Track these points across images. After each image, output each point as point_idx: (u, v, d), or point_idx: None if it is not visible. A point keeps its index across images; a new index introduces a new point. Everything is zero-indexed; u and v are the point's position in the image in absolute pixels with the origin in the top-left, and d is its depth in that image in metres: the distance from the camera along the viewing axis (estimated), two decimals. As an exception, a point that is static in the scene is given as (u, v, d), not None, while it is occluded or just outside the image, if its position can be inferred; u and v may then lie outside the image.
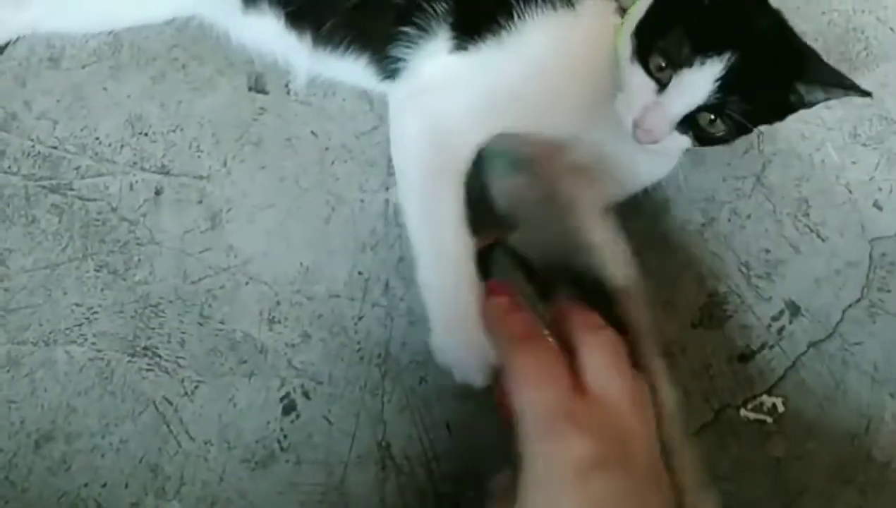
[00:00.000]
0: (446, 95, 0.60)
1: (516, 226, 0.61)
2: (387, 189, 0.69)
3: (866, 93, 0.55)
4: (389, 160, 0.70)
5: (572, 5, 0.61)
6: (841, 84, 0.55)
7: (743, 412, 0.63)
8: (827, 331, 0.66)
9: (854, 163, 0.71)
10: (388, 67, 0.63)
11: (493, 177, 0.63)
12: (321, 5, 0.64)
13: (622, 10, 0.62)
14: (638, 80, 0.56)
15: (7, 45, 0.73)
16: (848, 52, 0.74)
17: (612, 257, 0.55)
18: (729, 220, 0.69)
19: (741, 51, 0.53)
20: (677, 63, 0.54)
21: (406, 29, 0.61)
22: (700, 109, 0.55)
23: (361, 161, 0.70)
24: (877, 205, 0.70)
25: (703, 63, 0.53)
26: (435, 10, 0.61)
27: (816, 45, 0.67)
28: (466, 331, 0.56)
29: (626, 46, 0.58)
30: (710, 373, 0.64)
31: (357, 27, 0.64)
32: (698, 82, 0.54)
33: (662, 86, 0.55)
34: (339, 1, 0.63)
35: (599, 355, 0.43)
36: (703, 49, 0.53)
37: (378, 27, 0.63)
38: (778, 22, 0.57)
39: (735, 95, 0.54)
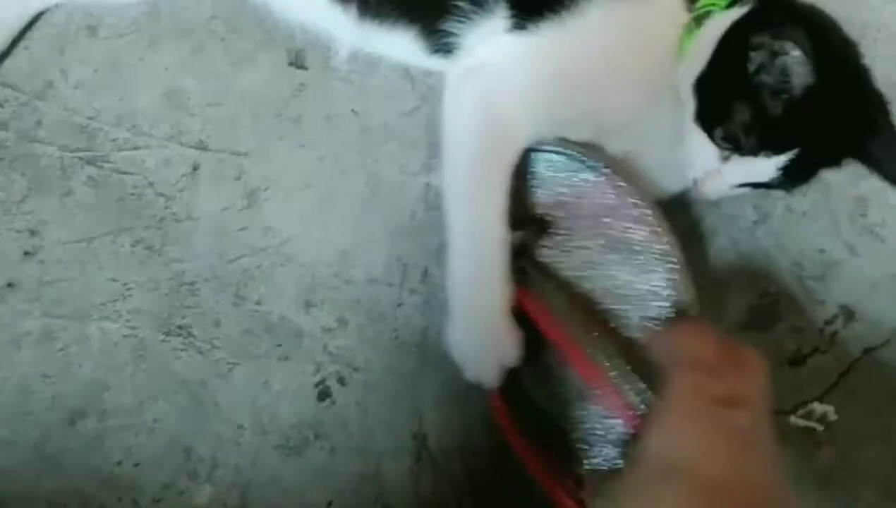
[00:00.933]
0: (504, 74, 0.58)
1: (551, 227, 0.59)
2: (428, 172, 0.67)
3: None
4: (431, 143, 0.68)
5: None
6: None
7: (792, 418, 0.61)
8: (883, 338, 0.63)
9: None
10: (440, 42, 0.61)
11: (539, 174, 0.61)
12: None
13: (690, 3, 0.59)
14: (701, 144, 0.55)
15: (44, 12, 0.71)
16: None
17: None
18: (783, 217, 0.66)
19: (808, 145, 0.52)
20: (742, 150, 0.53)
21: (460, 3, 0.59)
22: None
23: (403, 142, 0.68)
24: (940, 206, 0.67)
25: (768, 156, 0.53)
26: None
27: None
28: (490, 327, 0.55)
29: (688, 95, 0.56)
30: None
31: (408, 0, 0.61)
32: (761, 168, 0.53)
33: (725, 155, 0.54)
34: None
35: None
36: (771, 147, 0.53)
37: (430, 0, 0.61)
38: (854, 96, 0.54)
39: (796, 176, 0.54)
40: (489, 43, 0.59)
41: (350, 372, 0.63)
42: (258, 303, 0.64)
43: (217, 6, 0.71)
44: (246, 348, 0.63)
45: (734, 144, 0.53)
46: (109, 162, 0.67)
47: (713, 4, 0.58)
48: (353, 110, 0.69)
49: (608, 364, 0.52)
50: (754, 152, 0.53)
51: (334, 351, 0.63)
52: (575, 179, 0.58)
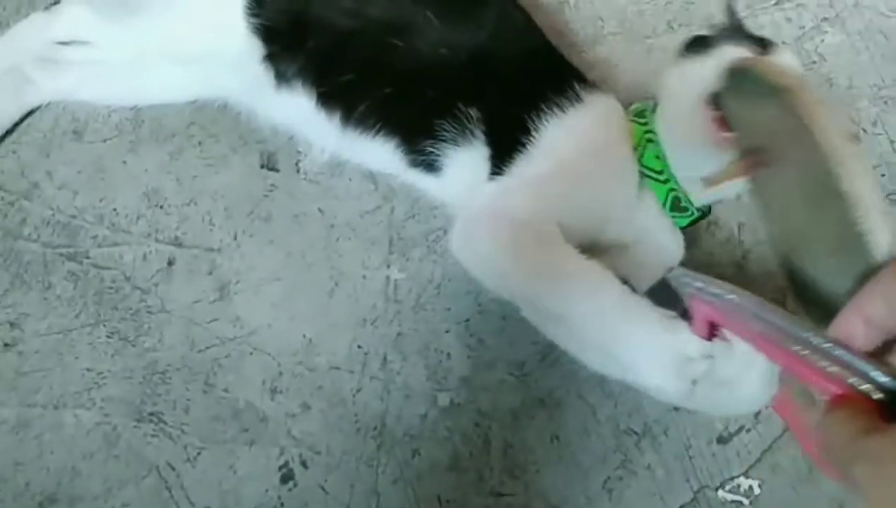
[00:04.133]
0: (504, 203, 0.63)
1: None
2: (388, 266, 0.73)
3: None
4: (391, 239, 0.74)
5: (581, 100, 0.66)
6: None
7: (721, 493, 0.66)
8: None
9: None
10: (420, 158, 0.67)
11: None
12: (354, 89, 0.68)
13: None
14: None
15: (36, 109, 0.77)
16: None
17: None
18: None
19: None
20: None
21: (441, 123, 0.65)
22: None
23: (364, 239, 0.74)
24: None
25: None
26: (469, 115, 0.65)
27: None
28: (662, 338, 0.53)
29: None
30: (689, 455, 0.67)
31: (390, 114, 0.67)
32: None
33: None
34: (372, 87, 0.67)
35: None
36: None
37: (411, 117, 0.67)
38: None
39: None
40: (478, 195, 0.64)
41: (312, 456, 0.66)
42: (226, 390, 0.68)
43: (195, 113, 0.78)
44: (213, 433, 0.67)
45: None
46: (89, 257, 0.72)
47: (643, 108, 0.67)
48: (319, 209, 0.75)
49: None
50: None
51: (297, 436, 0.67)
52: None
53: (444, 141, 0.66)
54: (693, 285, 0.45)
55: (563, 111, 0.64)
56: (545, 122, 0.64)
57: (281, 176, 0.76)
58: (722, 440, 0.68)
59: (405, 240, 0.74)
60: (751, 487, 0.67)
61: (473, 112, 0.65)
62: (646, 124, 0.65)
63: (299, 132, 0.74)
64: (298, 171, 0.76)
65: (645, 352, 0.53)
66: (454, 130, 0.66)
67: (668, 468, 0.67)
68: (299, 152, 0.77)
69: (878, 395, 0.33)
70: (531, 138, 0.64)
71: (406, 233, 0.74)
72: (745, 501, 0.66)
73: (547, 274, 0.59)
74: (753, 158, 0.51)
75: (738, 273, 0.74)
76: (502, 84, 0.66)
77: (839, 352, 0.35)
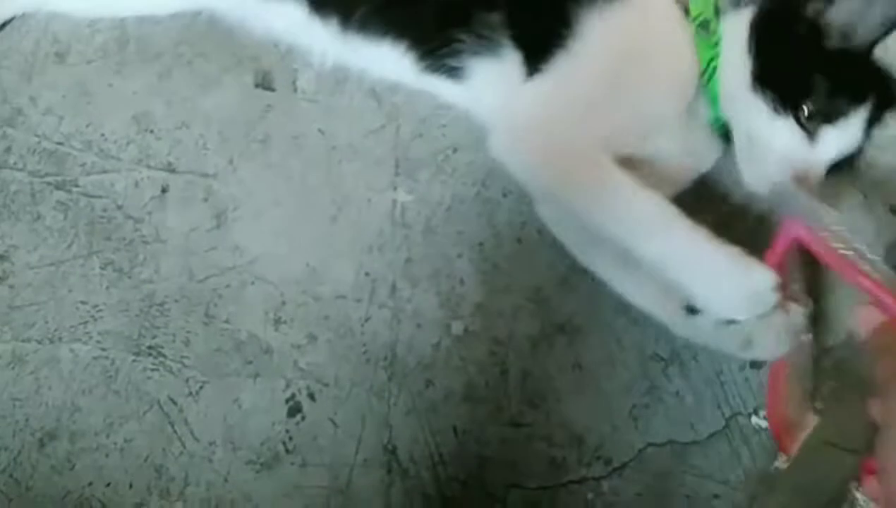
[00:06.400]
0: (547, 113, 0.58)
1: None
2: (394, 188, 0.68)
3: None
4: (397, 159, 0.69)
5: None
6: None
7: (754, 419, 0.62)
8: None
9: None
10: (437, 65, 0.62)
11: None
12: None
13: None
14: (785, 136, 0.56)
15: (11, 20, 0.72)
16: None
17: None
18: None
19: (876, 90, 0.57)
20: (833, 113, 0.55)
21: (458, 32, 0.60)
22: None
23: (368, 160, 0.69)
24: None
25: (856, 109, 0.55)
26: (489, 22, 0.59)
27: None
28: (731, 265, 0.53)
29: (747, 99, 0.57)
30: (721, 380, 0.63)
31: (393, 18, 0.62)
32: (853, 129, 0.56)
33: (814, 132, 0.55)
34: None
35: None
36: (855, 98, 0.56)
37: (420, 20, 0.61)
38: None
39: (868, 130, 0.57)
40: (517, 99, 0.60)
41: (320, 388, 0.63)
42: (227, 322, 0.65)
43: (184, 31, 0.72)
44: (216, 366, 0.64)
45: (824, 112, 0.55)
46: (78, 186, 0.68)
47: (702, 12, 0.60)
48: (319, 130, 0.70)
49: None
50: (845, 110, 0.55)
51: (304, 367, 0.64)
52: None
53: (463, 52, 0.60)
54: (799, 202, 0.50)
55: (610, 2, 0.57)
56: (587, 11, 0.57)
57: (277, 95, 0.71)
58: (755, 364, 0.64)
59: (412, 160, 0.69)
60: (786, 413, 0.62)
61: (496, 17, 0.59)
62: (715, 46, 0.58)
63: (296, 42, 0.69)
64: (296, 90, 0.71)
65: (718, 292, 0.54)
66: (475, 40, 0.60)
67: (699, 394, 0.63)
68: (296, 69, 0.71)
69: None
70: (571, 31, 0.57)
71: (413, 152, 0.69)
72: (781, 427, 0.62)
73: (606, 205, 0.56)
74: None
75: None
76: None
77: None
